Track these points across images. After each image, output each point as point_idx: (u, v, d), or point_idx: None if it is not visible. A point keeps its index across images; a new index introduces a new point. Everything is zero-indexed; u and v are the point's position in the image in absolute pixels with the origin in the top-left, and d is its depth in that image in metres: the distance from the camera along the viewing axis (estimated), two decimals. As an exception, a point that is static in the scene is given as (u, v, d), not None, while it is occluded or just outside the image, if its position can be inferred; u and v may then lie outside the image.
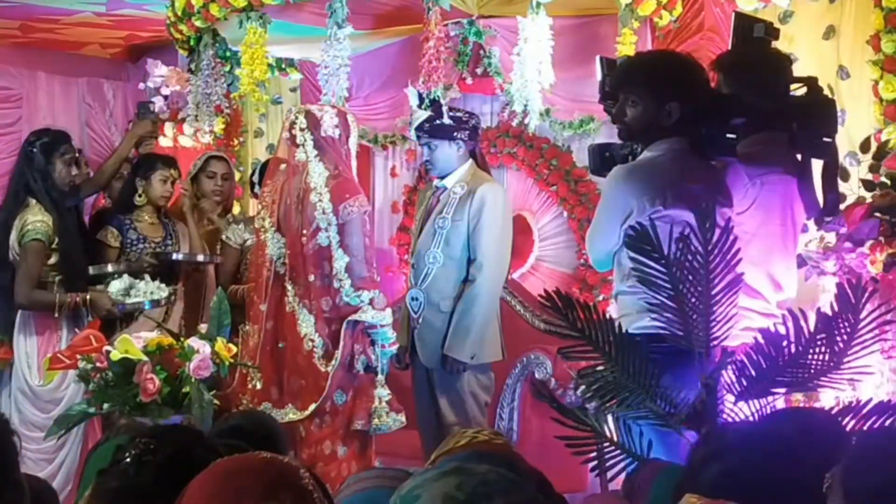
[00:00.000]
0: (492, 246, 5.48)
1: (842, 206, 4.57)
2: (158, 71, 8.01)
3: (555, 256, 6.81)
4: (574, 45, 6.13)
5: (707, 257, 3.45)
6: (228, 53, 6.52)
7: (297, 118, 5.13)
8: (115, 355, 4.44)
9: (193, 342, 4.54)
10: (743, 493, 1.98)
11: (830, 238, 4.74)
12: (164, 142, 8.07)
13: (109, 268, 6.03)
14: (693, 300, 3.49)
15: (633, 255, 3.55)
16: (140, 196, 6.22)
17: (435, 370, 5.52)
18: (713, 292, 3.48)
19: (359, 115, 6.79)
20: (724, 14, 5.37)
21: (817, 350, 3.44)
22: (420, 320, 5.54)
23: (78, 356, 4.59)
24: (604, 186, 4.08)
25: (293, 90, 7.90)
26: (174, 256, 6.19)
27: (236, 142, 7.93)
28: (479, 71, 6.75)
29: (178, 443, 2.04)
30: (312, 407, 5.00)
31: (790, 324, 3.39)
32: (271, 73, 6.98)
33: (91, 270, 5.99)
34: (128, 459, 1.99)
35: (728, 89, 4.16)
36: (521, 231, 6.53)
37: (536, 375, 5.94)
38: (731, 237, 3.48)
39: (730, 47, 4.56)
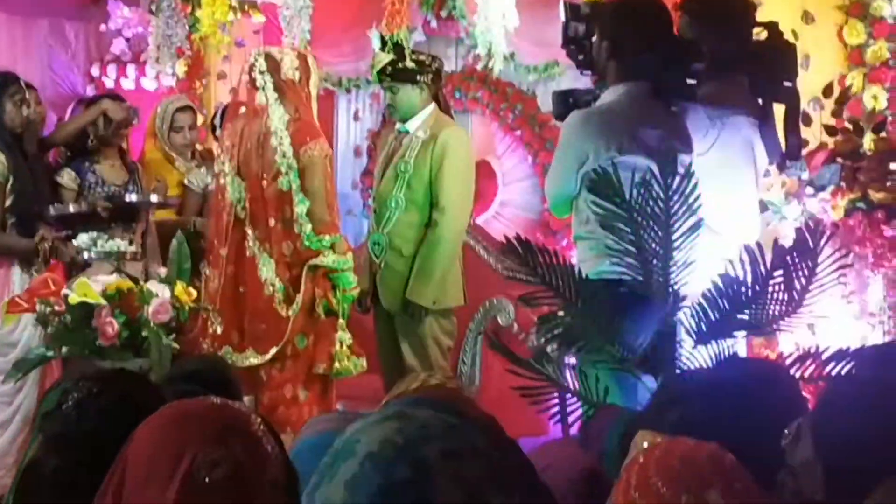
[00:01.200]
0: (454, 190, 5.45)
1: (804, 152, 4.57)
2: (120, 12, 7.92)
3: (519, 201, 6.81)
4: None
5: (667, 203, 3.44)
6: (191, -4, 6.43)
7: (256, 61, 5.09)
8: (74, 299, 4.42)
9: (153, 286, 4.52)
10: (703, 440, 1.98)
11: (792, 183, 4.74)
12: (126, 84, 7.98)
13: (71, 208, 5.96)
14: (653, 245, 3.48)
15: (594, 199, 3.54)
16: (92, 141, 6.15)
17: (397, 315, 5.51)
18: (673, 237, 3.48)
19: (322, 58, 6.74)
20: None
21: (775, 291, 3.45)
22: (382, 265, 5.51)
23: (36, 300, 4.56)
24: (561, 131, 4.06)
25: (256, 32, 7.80)
26: (128, 198, 6.10)
27: (199, 84, 7.83)
28: (443, 14, 6.69)
29: (122, 387, 2.02)
30: (273, 351, 5.00)
31: (746, 258, 3.38)
32: (233, 15, 6.90)
33: (52, 211, 5.93)
34: (70, 403, 1.97)
35: (691, 33, 4.14)
36: (485, 176, 6.52)
37: (499, 320, 5.94)
38: (692, 183, 3.47)
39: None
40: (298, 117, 5.04)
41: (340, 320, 5.07)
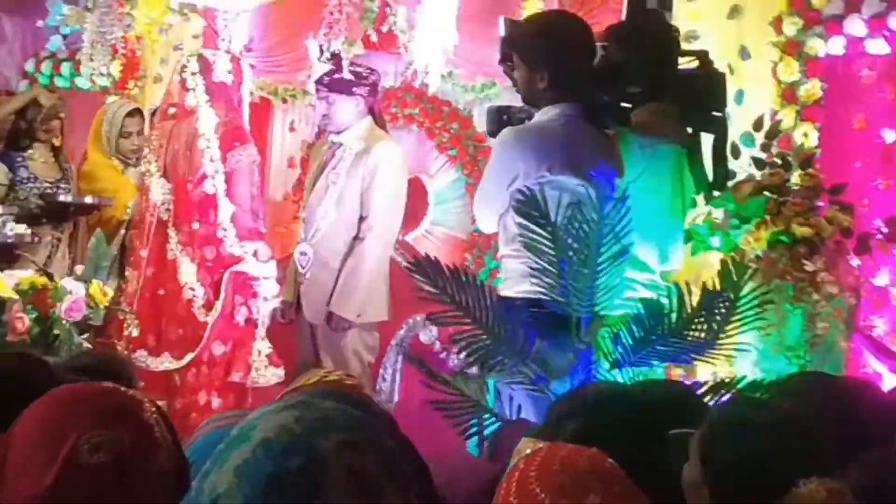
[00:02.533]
0: (384, 205, 5.42)
1: (731, 183, 4.58)
2: (59, 9, 7.80)
3: (449, 221, 6.76)
4: (481, 7, 6.06)
5: (599, 227, 3.44)
6: (130, -6, 6.32)
7: (188, 62, 5.04)
8: (-17, 293, 4.33)
9: (67, 283, 4.43)
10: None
11: (718, 214, 4.76)
12: (61, 82, 7.87)
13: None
14: (578, 268, 3.47)
15: (519, 220, 3.53)
16: (25, 138, 6.06)
17: (319, 327, 5.45)
18: (600, 261, 3.48)
19: (260, 66, 6.68)
20: (632, -15, 5.36)
21: (697, 326, 3.46)
22: (307, 275, 5.46)
23: (-54, 292, 4.46)
24: (493, 149, 4.04)
25: (196, 37, 7.70)
26: (61, 198, 6.01)
27: (133, 85, 7.72)
28: (384, 28, 6.64)
29: (16, 369, 1.98)
30: (189, 357, 4.93)
31: (674, 298, 3.40)
32: (173, 18, 6.81)
33: None
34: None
35: (618, 59, 4.13)
36: (417, 194, 6.47)
37: (421, 338, 5.91)
38: (625, 208, 3.47)
39: (623, 18, 4.53)
40: (228, 121, 5.00)
41: (259, 329, 5.01)
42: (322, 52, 5.40)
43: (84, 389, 1.70)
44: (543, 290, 3.53)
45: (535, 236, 3.48)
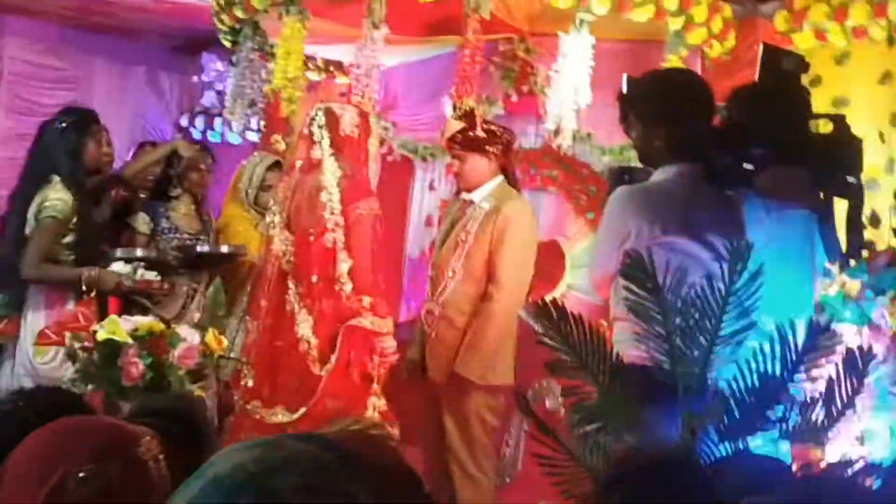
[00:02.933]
0: (512, 265, 5.32)
1: (867, 253, 4.35)
2: (213, 65, 8.00)
3: (586, 285, 6.62)
4: (620, 69, 5.93)
5: (724, 297, 3.27)
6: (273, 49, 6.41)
7: (316, 115, 5.03)
8: (102, 335, 4.35)
9: (183, 330, 4.43)
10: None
11: (853, 285, 4.52)
12: (213, 136, 8.05)
13: (138, 252, 5.95)
14: (694, 335, 3.31)
15: (625, 283, 3.39)
16: (175, 188, 6.19)
17: (443, 387, 5.35)
18: (721, 334, 3.30)
19: (402, 124, 6.71)
20: (778, 49, 5.19)
21: (816, 400, 3.26)
22: (433, 334, 5.39)
23: (66, 333, 4.51)
24: (605, 207, 3.92)
25: (342, 95, 7.78)
26: (198, 248, 6.09)
27: (274, 139, 7.81)
28: (524, 89, 6.60)
29: (46, 403, 1.97)
30: (302, 410, 4.87)
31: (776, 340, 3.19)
32: (318, 76, 6.90)
33: (119, 253, 5.90)
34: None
35: (746, 120, 3.96)
36: (554, 257, 6.38)
37: (547, 404, 5.76)
38: (758, 283, 3.29)
39: (757, 79, 4.36)
40: (352, 174, 4.96)
41: (375, 385, 4.93)
42: (455, 109, 5.36)
43: (80, 423, 1.71)
44: (650, 356, 3.37)
45: (640, 300, 3.33)
